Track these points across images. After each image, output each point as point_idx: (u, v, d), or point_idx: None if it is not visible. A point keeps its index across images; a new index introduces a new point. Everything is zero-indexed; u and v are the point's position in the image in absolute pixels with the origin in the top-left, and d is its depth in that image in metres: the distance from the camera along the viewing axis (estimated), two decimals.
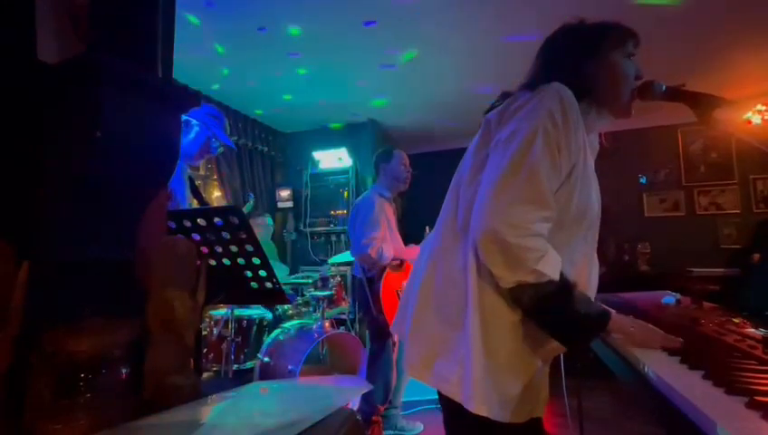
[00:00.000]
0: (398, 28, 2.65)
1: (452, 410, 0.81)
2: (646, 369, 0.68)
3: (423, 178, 2.87)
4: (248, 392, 0.84)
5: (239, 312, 2.63)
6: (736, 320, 0.97)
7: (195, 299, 0.84)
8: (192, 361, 0.83)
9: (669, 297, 1.29)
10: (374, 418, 2.28)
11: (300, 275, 3.95)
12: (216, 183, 3.90)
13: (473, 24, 2.61)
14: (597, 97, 0.88)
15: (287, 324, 2.64)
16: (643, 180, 4.27)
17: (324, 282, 2.92)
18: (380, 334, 2.36)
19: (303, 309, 2.96)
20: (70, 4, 0.78)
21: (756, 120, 3.53)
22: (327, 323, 2.69)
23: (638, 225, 4.20)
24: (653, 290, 1.50)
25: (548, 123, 0.75)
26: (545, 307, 0.74)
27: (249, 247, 0.97)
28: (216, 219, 0.96)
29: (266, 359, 2.41)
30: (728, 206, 4.00)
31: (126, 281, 0.78)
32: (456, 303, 0.81)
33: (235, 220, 0.94)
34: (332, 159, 4.38)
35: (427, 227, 2.55)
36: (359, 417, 0.75)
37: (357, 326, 3.73)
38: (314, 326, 2.58)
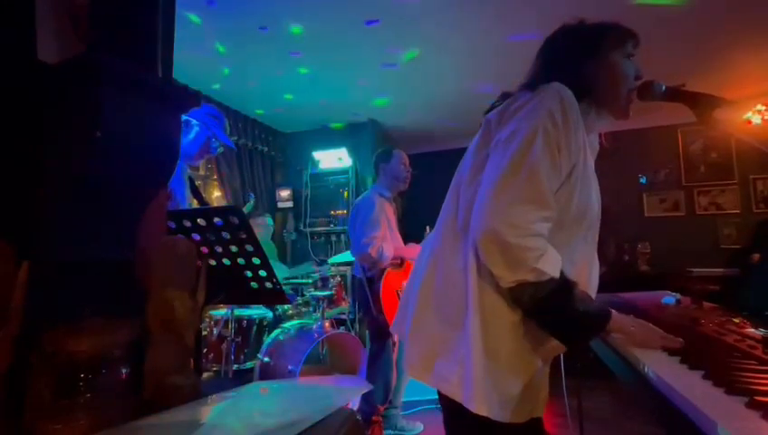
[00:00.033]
0: (401, 27, 2.65)
1: (452, 410, 0.81)
2: (646, 369, 0.68)
3: (423, 178, 2.87)
4: (248, 392, 0.84)
5: (239, 312, 2.63)
6: (736, 320, 0.97)
7: (195, 299, 0.84)
8: (192, 361, 0.84)
9: (669, 297, 1.28)
10: (374, 418, 2.28)
11: (301, 267, 3.99)
12: (216, 183, 3.90)
13: (474, 23, 2.61)
14: (597, 97, 0.88)
15: (287, 324, 2.64)
16: (643, 180, 4.27)
17: (324, 282, 2.92)
18: (380, 334, 2.36)
19: (303, 309, 2.96)
20: (70, 4, 0.78)
21: (756, 120, 3.53)
22: (327, 323, 2.69)
23: (638, 225, 4.20)
24: (653, 290, 1.50)
25: (548, 123, 0.75)
26: (545, 306, 0.74)
27: (249, 247, 0.97)
28: (216, 219, 0.96)
29: (266, 359, 2.41)
30: (728, 206, 4.00)
31: (126, 281, 0.78)
32: (457, 303, 0.81)
33: (235, 220, 0.94)
34: (332, 159, 4.38)
35: (428, 227, 2.55)
36: (359, 417, 0.75)
37: (357, 326, 3.73)
38: (314, 326, 2.58)
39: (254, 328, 2.69)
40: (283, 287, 1.07)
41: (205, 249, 0.99)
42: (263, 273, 1.01)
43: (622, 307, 1.02)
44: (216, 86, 3.47)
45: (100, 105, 0.68)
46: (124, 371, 0.69)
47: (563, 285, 0.73)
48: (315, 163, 4.45)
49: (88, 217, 0.74)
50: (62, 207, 0.72)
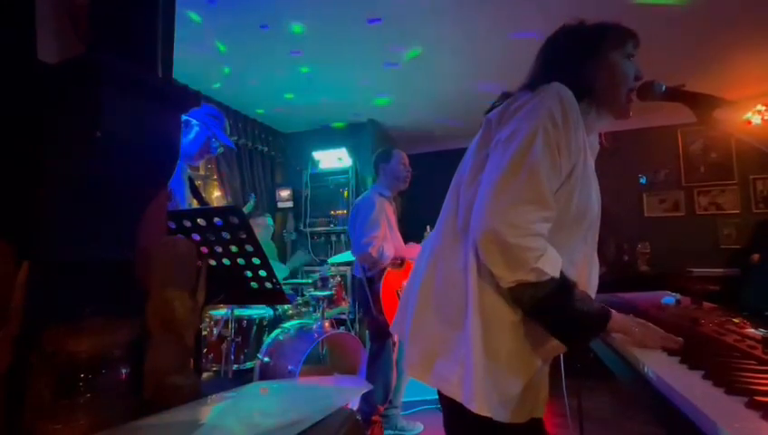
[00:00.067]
0: (403, 25, 2.64)
1: (452, 411, 0.81)
2: (646, 369, 0.68)
3: (423, 178, 2.87)
4: (248, 392, 0.84)
5: (239, 312, 2.63)
6: (736, 320, 0.97)
7: (195, 299, 0.84)
8: (192, 361, 0.84)
9: (669, 297, 1.28)
10: (374, 418, 2.28)
11: (295, 258, 4.03)
12: (216, 183, 3.91)
13: (476, 21, 2.60)
14: (597, 97, 0.88)
15: (287, 324, 2.64)
16: (643, 180, 4.27)
17: (324, 282, 2.92)
18: (380, 334, 2.37)
19: (303, 309, 2.96)
20: (70, 4, 0.78)
21: (756, 120, 3.52)
22: (327, 323, 2.69)
23: (638, 225, 4.20)
24: (653, 290, 1.50)
25: (548, 123, 0.75)
26: (545, 306, 0.74)
27: (249, 247, 0.97)
28: (216, 219, 0.96)
29: (266, 359, 2.41)
30: (728, 206, 4.00)
31: (126, 281, 0.78)
32: (457, 303, 0.81)
33: (235, 220, 0.94)
34: (332, 159, 4.38)
35: (428, 227, 2.55)
36: (359, 417, 0.75)
37: (357, 326, 3.73)
38: (314, 326, 2.58)
39: (254, 328, 2.69)
40: (283, 287, 1.07)
41: (205, 249, 0.99)
42: (263, 273, 1.01)
43: (622, 307, 1.02)
44: (217, 85, 3.46)
45: (100, 105, 0.68)
46: (124, 371, 0.69)
47: (563, 285, 0.73)
48: (315, 163, 4.45)
49: (88, 217, 0.74)
50: (62, 207, 0.72)
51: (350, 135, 4.43)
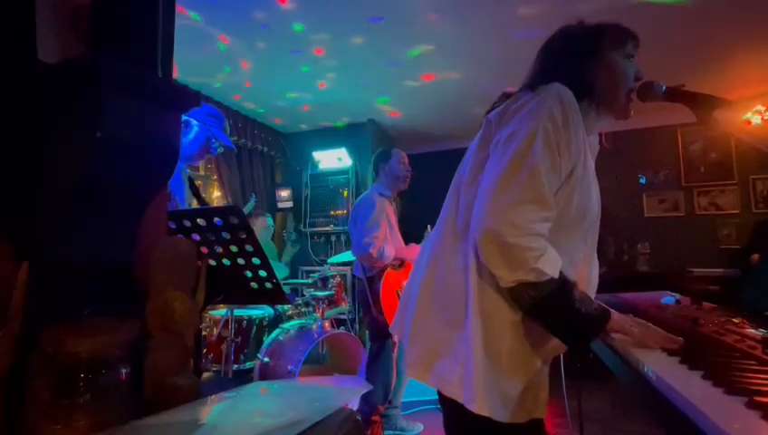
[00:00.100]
0: (405, 25, 2.64)
1: (452, 411, 0.81)
2: (646, 369, 0.68)
3: (423, 178, 2.87)
4: (248, 392, 0.84)
5: (239, 312, 2.63)
6: (736, 320, 0.97)
7: (195, 299, 0.84)
8: (192, 361, 0.84)
9: (669, 297, 1.29)
10: (374, 418, 2.28)
11: (287, 251, 4.06)
12: (216, 183, 3.91)
13: (476, 21, 2.60)
14: (597, 97, 0.88)
15: (287, 325, 2.64)
16: (643, 180, 4.27)
17: (324, 282, 2.92)
18: (380, 334, 2.36)
19: (303, 309, 2.96)
20: (70, 4, 0.78)
21: (756, 120, 3.53)
22: (327, 323, 2.69)
23: (638, 225, 4.20)
24: (653, 290, 1.50)
25: (548, 124, 0.75)
26: (545, 306, 0.74)
27: (249, 247, 0.97)
28: (216, 219, 0.96)
29: (266, 359, 2.41)
30: (728, 206, 4.00)
31: (126, 281, 0.78)
32: (457, 303, 0.81)
33: (235, 220, 0.94)
34: (332, 159, 4.38)
35: (429, 227, 2.55)
36: (359, 417, 0.75)
37: (357, 326, 3.73)
38: (314, 326, 2.58)
39: (254, 328, 2.69)
40: (283, 287, 1.07)
41: (205, 249, 0.99)
42: (263, 273, 1.01)
43: (622, 307, 1.03)
44: (218, 85, 3.46)
45: (100, 105, 0.68)
46: (124, 371, 0.69)
47: (563, 286, 0.73)
48: (315, 163, 4.45)
49: (88, 218, 0.74)
50: (62, 207, 0.72)
51: (350, 135, 4.43)
